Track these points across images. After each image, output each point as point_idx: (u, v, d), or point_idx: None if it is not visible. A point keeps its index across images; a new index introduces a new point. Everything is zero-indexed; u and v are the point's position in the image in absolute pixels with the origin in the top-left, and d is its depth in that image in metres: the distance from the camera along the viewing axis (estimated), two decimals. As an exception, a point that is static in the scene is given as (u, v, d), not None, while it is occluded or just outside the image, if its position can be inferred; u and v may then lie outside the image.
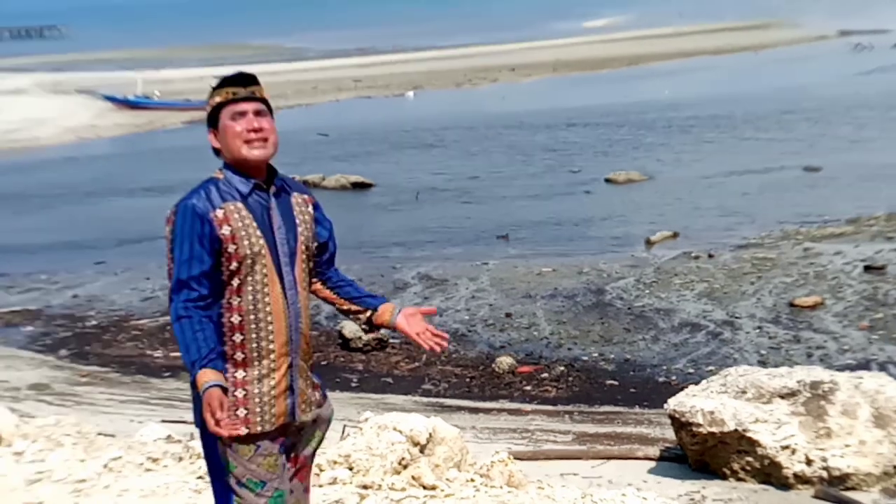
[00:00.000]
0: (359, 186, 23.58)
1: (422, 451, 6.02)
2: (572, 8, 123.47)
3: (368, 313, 3.83)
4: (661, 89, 38.53)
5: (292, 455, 3.72)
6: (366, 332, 3.76)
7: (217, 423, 3.34)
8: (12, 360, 12.55)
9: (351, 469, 5.80)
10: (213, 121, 3.60)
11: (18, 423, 6.27)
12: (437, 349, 3.75)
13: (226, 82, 3.59)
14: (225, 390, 3.39)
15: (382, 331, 12.62)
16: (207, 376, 3.37)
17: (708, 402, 7.03)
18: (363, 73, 52.70)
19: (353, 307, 3.87)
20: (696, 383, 7.70)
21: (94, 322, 14.33)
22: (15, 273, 17.40)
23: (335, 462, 5.84)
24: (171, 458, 5.84)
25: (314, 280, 3.82)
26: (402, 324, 3.76)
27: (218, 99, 3.57)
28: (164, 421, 8.41)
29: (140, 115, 41.25)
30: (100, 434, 6.45)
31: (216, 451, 3.61)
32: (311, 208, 3.74)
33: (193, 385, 3.49)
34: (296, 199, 3.69)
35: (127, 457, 5.67)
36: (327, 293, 3.87)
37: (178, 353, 11.40)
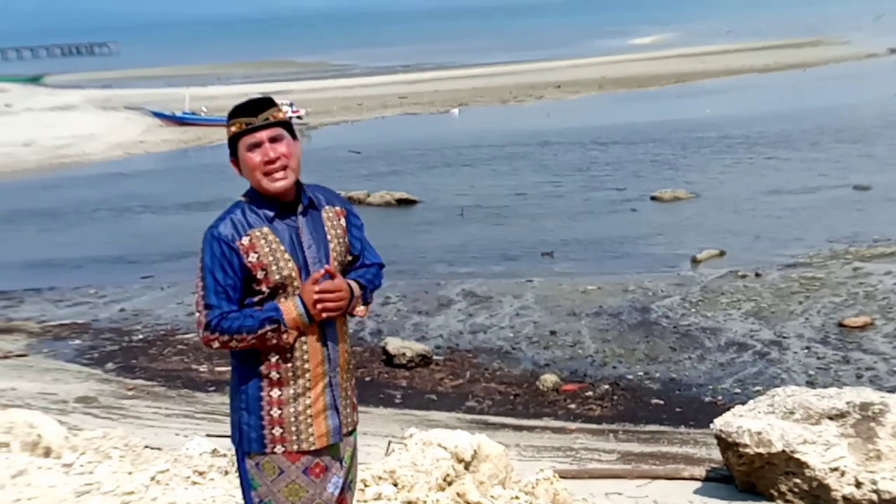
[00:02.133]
0: (404, 203, 23.65)
1: (466, 468, 6.00)
2: (619, 25, 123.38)
3: None
4: (704, 107, 38.29)
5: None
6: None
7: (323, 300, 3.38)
8: (60, 372, 12.69)
9: (396, 485, 5.78)
10: (233, 150, 3.57)
11: (67, 434, 6.34)
12: (324, 316, 3.49)
13: (238, 111, 3.54)
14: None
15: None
16: (285, 305, 3.41)
17: (755, 423, 6.95)
18: (408, 90, 52.89)
19: None
20: (743, 403, 7.61)
21: (140, 336, 14.47)
22: (64, 287, 17.64)
23: (380, 478, 5.84)
24: (217, 471, 5.87)
25: None
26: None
27: (234, 129, 3.52)
28: (208, 435, 8.45)
29: (187, 131, 41.69)
30: (146, 447, 6.49)
31: (244, 469, 3.60)
32: (343, 221, 3.69)
33: (233, 398, 3.54)
34: (327, 213, 3.65)
35: (174, 470, 5.70)
36: None
37: (223, 368, 11.43)
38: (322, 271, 3.47)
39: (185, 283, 17.09)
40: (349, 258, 3.70)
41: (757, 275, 15.61)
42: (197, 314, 3.47)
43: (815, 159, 26.20)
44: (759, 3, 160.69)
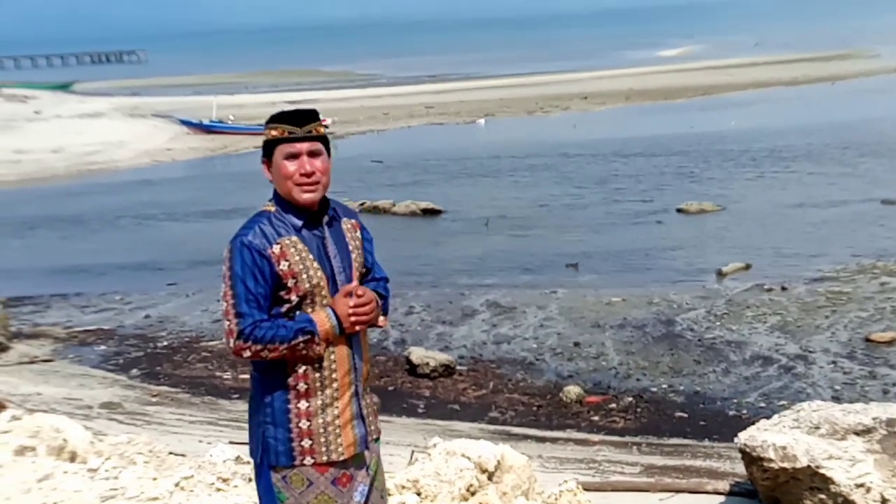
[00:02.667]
0: (429, 213, 23.67)
1: (490, 479, 5.99)
2: (647, 37, 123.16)
3: None
4: (729, 119, 38.12)
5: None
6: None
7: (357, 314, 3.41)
8: (85, 378, 12.77)
9: (419, 494, 5.79)
10: (267, 152, 3.59)
11: (93, 440, 6.38)
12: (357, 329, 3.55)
13: (284, 118, 3.57)
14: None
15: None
16: (318, 316, 3.43)
17: (780, 437, 6.91)
18: (435, 100, 52.95)
19: None
20: (768, 417, 7.56)
21: (165, 343, 14.54)
22: (90, 293, 17.76)
23: (403, 487, 5.85)
24: (241, 478, 5.89)
25: None
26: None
27: (274, 133, 3.55)
28: (231, 442, 8.48)
29: (214, 139, 41.87)
30: (171, 453, 6.53)
31: (268, 482, 3.59)
32: (358, 233, 3.75)
33: (256, 412, 3.57)
34: (345, 224, 3.70)
35: (198, 476, 5.73)
36: None
37: (247, 376, 11.50)
38: (354, 284, 3.51)
39: (210, 291, 17.18)
40: (365, 269, 3.75)
41: (783, 288, 15.53)
42: (227, 323, 3.47)
43: (843, 173, 26.02)
44: (787, 16, 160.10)
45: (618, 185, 26.35)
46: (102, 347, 14.40)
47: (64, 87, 74.21)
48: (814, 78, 54.29)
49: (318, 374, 3.51)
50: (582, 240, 20.20)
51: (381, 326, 3.75)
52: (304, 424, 3.51)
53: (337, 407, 3.54)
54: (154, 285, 18.16)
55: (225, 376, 12.74)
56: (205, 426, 10.56)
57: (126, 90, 73.01)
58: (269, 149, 3.58)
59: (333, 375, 3.52)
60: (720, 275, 16.74)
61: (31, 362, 13.36)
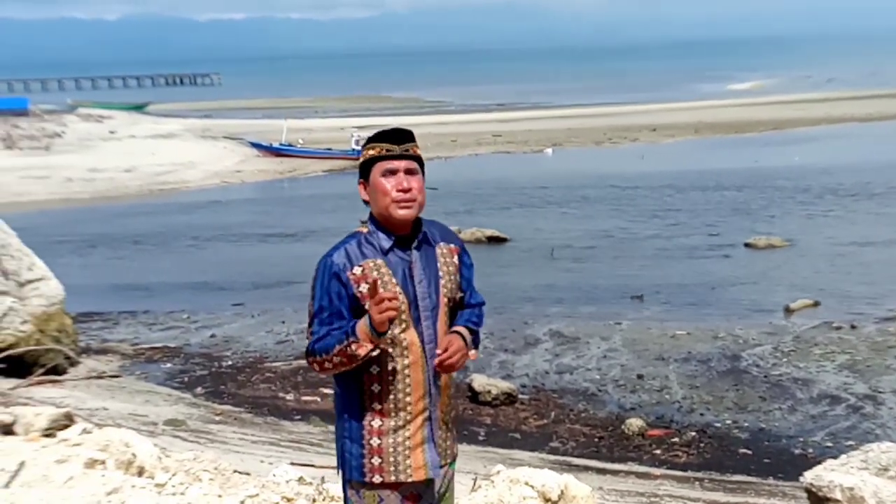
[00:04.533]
0: (494, 240, 23.69)
1: (551, 508, 5.98)
2: (717, 70, 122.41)
3: None
4: (793, 156, 37.65)
5: None
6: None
7: (382, 303, 3.33)
8: (151, 395, 12.93)
9: (480, 521, 5.79)
10: (364, 173, 3.63)
11: (160, 455, 6.47)
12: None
13: (381, 137, 3.62)
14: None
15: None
16: (360, 321, 3.42)
17: (847, 478, 6.80)
18: (503, 129, 53.08)
19: None
20: (835, 457, 7.45)
21: (229, 362, 14.69)
22: (157, 311, 18.02)
23: (465, 513, 5.85)
24: (305, 499, 5.93)
25: None
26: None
27: (372, 153, 3.60)
28: (293, 463, 8.53)
29: (283, 162, 42.37)
30: (235, 471, 6.59)
31: (345, 495, 3.69)
32: (455, 258, 3.75)
33: (337, 425, 3.63)
34: (441, 249, 3.70)
35: (262, 495, 5.79)
36: None
37: (309, 398, 11.57)
38: (442, 341, 3.56)
39: (275, 312, 17.38)
40: (459, 295, 3.75)
41: (852, 327, 15.30)
42: (306, 340, 3.57)
43: (917, 211, 25.62)
44: (862, 52, 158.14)
45: (685, 217, 26.18)
46: (168, 365, 14.59)
47: (139, 107, 75.72)
48: (888, 115, 53.49)
49: (392, 396, 3.54)
50: (647, 271, 20.08)
51: (472, 359, 3.73)
52: (375, 442, 3.56)
53: (409, 429, 3.57)
54: (220, 305, 18.38)
55: (288, 398, 12.83)
56: (267, 446, 10.63)
57: (198, 112, 74.19)
58: (366, 168, 3.62)
59: (408, 399, 3.55)
60: (788, 311, 16.53)
61: (99, 377, 13.56)
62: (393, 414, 3.55)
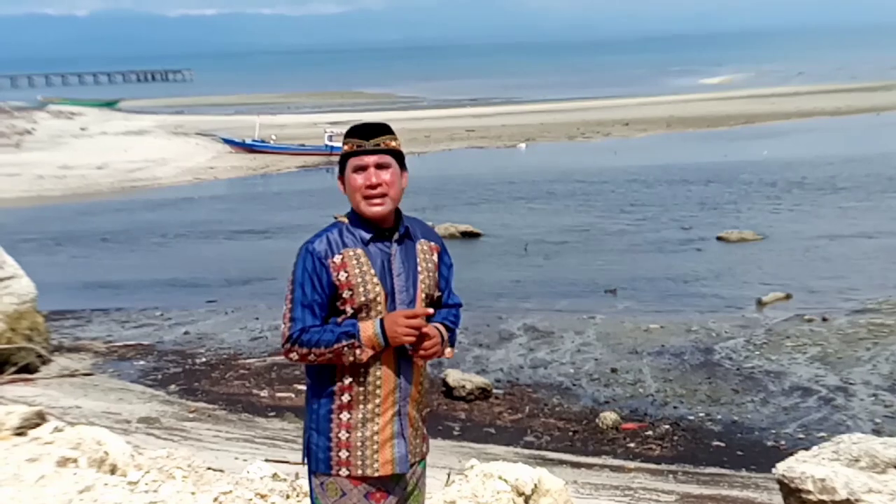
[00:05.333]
0: (468, 236, 23.71)
1: (526, 502, 5.99)
2: (689, 65, 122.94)
3: None
4: (761, 150, 37.85)
5: None
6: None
7: (412, 329, 3.40)
8: (124, 392, 12.87)
9: (454, 516, 5.79)
10: (341, 168, 3.66)
11: (133, 453, 6.44)
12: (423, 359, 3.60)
13: (353, 132, 3.64)
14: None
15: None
16: (364, 323, 3.46)
17: (819, 469, 6.85)
18: (476, 124, 53.10)
19: None
20: (807, 449, 7.49)
21: (203, 359, 14.63)
22: (130, 308, 17.94)
23: (439, 508, 5.85)
24: (279, 495, 5.92)
25: None
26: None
27: (345, 148, 3.63)
28: (267, 460, 8.52)
29: (256, 158, 42.22)
30: (209, 469, 6.57)
31: (310, 486, 3.69)
32: (435, 256, 3.75)
33: (306, 416, 3.62)
34: (421, 245, 3.71)
35: (236, 492, 5.76)
36: None
37: (283, 394, 11.54)
38: (428, 310, 3.53)
39: (249, 309, 17.34)
40: (437, 294, 3.76)
41: (824, 319, 15.41)
42: (282, 326, 3.57)
43: (886, 204, 25.81)
44: (832, 46, 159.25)
45: (658, 211, 26.28)
46: (142, 362, 14.52)
47: (110, 104, 75.25)
48: (858, 108, 53.89)
49: (361, 388, 3.54)
50: (621, 266, 20.15)
51: (447, 357, 3.77)
52: (343, 435, 3.55)
53: (377, 423, 3.56)
54: (194, 302, 18.31)
55: (262, 394, 12.80)
56: (241, 443, 10.62)
57: (171, 108, 73.91)
58: (342, 164, 3.65)
59: (377, 391, 3.55)
60: (760, 304, 16.63)
61: (72, 375, 13.49)
62: (361, 406, 3.54)
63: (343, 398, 3.55)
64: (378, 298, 3.51)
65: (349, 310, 3.52)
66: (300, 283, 3.54)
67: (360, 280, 3.50)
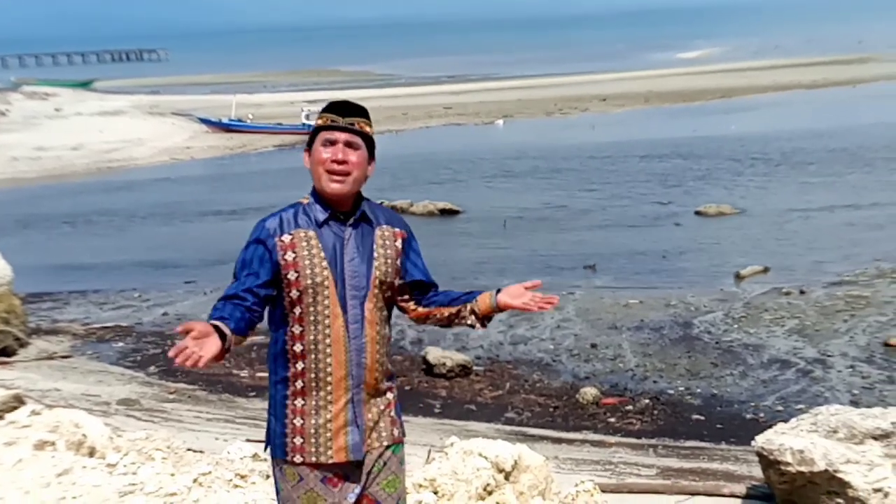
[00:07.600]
0: (447, 213, 23.68)
1: (507, 479, 6.00)
2: (667, 39, 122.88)
3: (469, 308, 3.83)
4: (730, 124, 37.93)
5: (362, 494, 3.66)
6: (474, 327, 3.57)
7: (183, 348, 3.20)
8: (103, 374, 12.82)
9: (436, 493, 5.80)
10: (310, 142, 3.62)
11: (111, 435, 6.41)
12: (547, 307, 3.75)
13: (329, 108, 3.60)
14: (222, 335, 3.27)
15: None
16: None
17: (797, 441, 6.89)
18: (453, 101, 52.99)
19: (450, 310, 3.85)
20: (785, 421, 7.55)
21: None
22: (108, 290, 17.83)
23: (420, 486, 5.85)
24: (259, 475, 5.92)
25: (413, 308, 3.83)
26: (505, 299, 3.77)
27: (318, 122, 3.58)
28: (248, 440, 8.51)
29: (233, 137, 42.03)
30: (189, 450, 6.56)
31: (272, 471, 3.70)
32: (398, 242, 3.71)
33: (269, 404, 3.63)
34: (382, 231, 3.66)
35: (216, 472, 5.76)
36: (422, 312, 3.85)
37: (263, 374, 11.59)
38: (537, 281, 3.80)
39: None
40: (399, 281, 3.72)
41: (801, 292, 15.48)
42: None
43: (863, 177, 25.91)
44: (808, 19, 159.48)
45: (636, 186, 26.30)
46: (120, 344, 14.45)
47: (84, 84, 74.67)
48: (834, 81, 54.06)
49: (313, 375, 3.51)
50: (600, 241, 20.18)
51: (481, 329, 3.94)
52: (297, 422, 3.53)
53: (330, 411, 3.52)
54: (172, 283, 18.22)
55: (242, 374, 12.77)
56: (222, 424, 10.60)
57: (146, 88, 73.40)
58: (312, 137, 3.61)
59: (329, 378, 3.51)
60: (738, 278, 16.69)
61: (50, 358, 13.42)
62: (314, 393, 3.52)
63: (297, 384, 3.53)
64: (325, 283, 3.47)
65: (294, 293, 3.48)
66: (244, 255, 3.54)
67: (307, 262, 3.46)
